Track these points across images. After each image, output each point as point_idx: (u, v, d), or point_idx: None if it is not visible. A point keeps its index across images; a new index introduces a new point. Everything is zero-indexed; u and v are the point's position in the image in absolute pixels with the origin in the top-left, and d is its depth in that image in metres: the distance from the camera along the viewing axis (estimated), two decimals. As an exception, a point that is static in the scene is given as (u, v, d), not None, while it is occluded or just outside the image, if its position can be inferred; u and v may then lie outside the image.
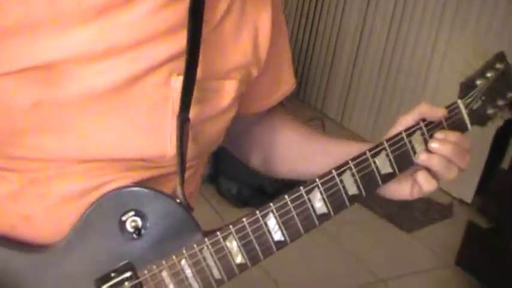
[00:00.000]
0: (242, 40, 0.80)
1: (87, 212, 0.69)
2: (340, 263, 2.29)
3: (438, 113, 0.79)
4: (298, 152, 0.94)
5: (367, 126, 3.48)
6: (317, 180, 0.74)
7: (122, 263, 0.68)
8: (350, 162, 0.76)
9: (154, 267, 0.69)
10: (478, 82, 0.84)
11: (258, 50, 0.82)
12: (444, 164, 0.78)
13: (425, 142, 0.79)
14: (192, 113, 0.74)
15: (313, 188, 0.74)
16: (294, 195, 0.73)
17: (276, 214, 0.72)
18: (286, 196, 0.73)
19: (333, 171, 0.75)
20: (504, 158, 2.72)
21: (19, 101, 0.67)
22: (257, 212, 0.72)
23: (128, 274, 0.68)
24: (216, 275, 0.70)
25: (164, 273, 0.69)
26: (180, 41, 0.70)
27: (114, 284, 0.67)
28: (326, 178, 0.75)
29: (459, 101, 0.82)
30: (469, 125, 0.82)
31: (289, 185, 0.81)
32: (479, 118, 0.84)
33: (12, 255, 0.69)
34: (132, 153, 0.72)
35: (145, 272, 0.69)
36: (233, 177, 2.47)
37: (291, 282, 2.11)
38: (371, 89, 3.46)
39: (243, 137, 0.97)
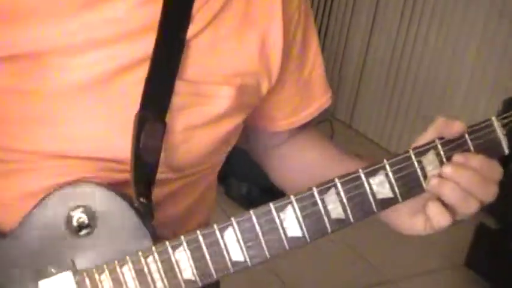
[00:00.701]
0: (245, 44, 0.72)
1: (38, 203, 0.65)
2: (349, 264, 2.25)
3: (454, 127, 0.63)
4: (316, 175, 0.83)
5: (377, 127, 3.36)
6: (292, 197, 0.64)
7: (64, 261, 0.64)
8: (336, 179, 0.64)
9: (94, 269, 0.63)
10: (528, 99, 0.67)
11: (267, 61, 0.74)
12: (459, 194, 0.63)
13: (442, 165, 0.64)
14: (178, 118, 0.69)
15: (286, 205, 0.63)
16: (262, 211, 0.63)
17: (237, 229, 0.63)
18: (251, 211, 0.63)
19: (314, 188, 0.64)
20: None
21: None
22: (215, 225, 0.63)
23: (67, 272, 0.63)
24: (160, 287, 0.63)
25: (103, 277, 0.63)
26: None
27: (52, 281, 0.63)
28: (304, 195, 0.64)
29: (493, 118, 0.65)
30: (505, 148, 0.66)
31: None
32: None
33: None
34: (104, 152, 0.69)
35: (84, 273, 0.64)
36: (243, 177, 2.40)
37: (296, 283, 2.06)
38: (380, 91, 3.35)
39: (267, 156, 0.90)
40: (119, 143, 0.67)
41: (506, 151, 0.66)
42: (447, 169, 0.63)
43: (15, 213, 0.68)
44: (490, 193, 0.63)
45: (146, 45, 0.67)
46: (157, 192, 0.70)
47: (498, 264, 2.20)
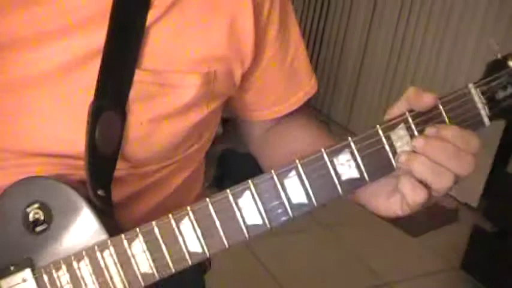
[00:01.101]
0: (212, 31, 0.69)
1: (-3, 198, 0.64)
2: (346, 267, 2.24)
3: (424, 98, 0.58)
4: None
5: None
6: (249, 182, 0.60)
7: (22, 258, 0.63)
8: (297, 161, 0.60)
9: (51, 265, 0.62)
10: (512, 63, 0.60)
11: (238, 46, 0.71)
12: (430, 168, 0.57)
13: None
14: (141, 109, 0.66)
15: (244, 190, 0.60)
16: (218, 198, 0.60)
17: (193, 219, 0.60)
18: (207, 199, 0.60)
19: (273, 171, 0.60)
20: (510, 162, 2.67)
21: None
22: (170, 215, 0.60)
23: (26, 270, 0.62)
24: (117, 282, 0.61)
25: (61, 273, 0.62)
26: None
27: (11, 279, 0.62)
28: (262, 179, 0.60)
29: (471, 85, 0.59)
30: (486, 119, 0.59)
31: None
32: (508, 111, 0.60)
33: None
34: (64, 148, 0.67)
35: (42, 270, 0.62)
36: (238, 179, 2.31)
37: (295, 286, 2.02)
38: (377, 93, 3.29)
39: (257, 144, 0.86)
40: (78, 138, 0.65)
41: (487, 122, 0.59)
42: (417, 142, 0.57)
43: None
44: (465, 165, 0.57)
45: (98, 36, 0.65)
46: (119, 191, 0.68)
47: (494, 266, 2.20)
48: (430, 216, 2.62)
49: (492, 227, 2.34)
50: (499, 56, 0.61)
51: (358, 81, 3.49)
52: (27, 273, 0.62)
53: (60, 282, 0.62)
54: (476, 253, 2.28)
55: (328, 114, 3.66)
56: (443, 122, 0.59)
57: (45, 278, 0.62)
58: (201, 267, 0.89)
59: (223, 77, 0.72)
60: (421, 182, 0.58)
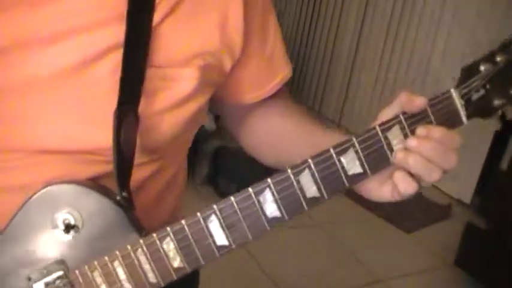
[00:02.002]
0: (204, 25, 0.74)
1: (24, 205, 0.66)
2: (340, 264, 2.27)
3: (416, 102, 0.67)
4: (283, 143, 0.87)
5: (366, 126, 3.30)
6: (269, 180, 0.67)
7: (54, 261, 0.66)
8: (310, 160, 0.67)
9: (86, 267, 0.66)
10: (483, 68, 0.70)
11: (229, 39, 0.76)
12: (422, 164, 0.67)
13: (406, 138, 0.68)
14: (147, 104, 0.70)
15: (264, 188, 0.67)
16: (241, 196, 0.66)
17: (220, 216, 0.66)
18: (232, 197, 0.67)
19: (289, 170, 0.67)
20: (503, 159, 2.67)
21: None
22: (198, 214, 0.66)
23: (59, 273, 0.66)
24: (151, 278, 0.66)
25: (96, 274, 0.66)
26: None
27: (46, 282, 0.66)
28: (280, 178, 0.67)
29: (452, 90, 0.69)
30: (464, 118, 0.70)
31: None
32: (482, 110, 0.70)
33: None
34: (81, 144, 0.70)
35: (77, 271, 0.66)
36: (232, 177, 2.40)
37: (289, 283, 2.06)
38: (369, 89, 3.35)
39: (239, 125, 0.92)
40: (93, 134, 0.69)
41: (465, 121, 0.70)
42: (412, 142, 0.67)
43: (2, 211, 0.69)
44: (451, 161, 0.68)
45: (111, 35, 0.68)
46: (131, 181, 0.72)
47: (487, 263, 2.23)
48: (424, 212, 2.65)
49: (485, 223, 2.37)
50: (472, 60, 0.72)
51: (350, 77, 3.48)
52: (60, 275, 0.66)
53: (95, 283, 0.66)
54: (469, 249, 2.29)
55: (319, 110, 3.64)
56: (431, 121, 0.69)
57: (80, 279, 0.66)
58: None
59: (216, 69, 0.77)
60: (412, 175, 0.68)
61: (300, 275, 2.08)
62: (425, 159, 0.67)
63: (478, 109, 0.70)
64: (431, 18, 2.97)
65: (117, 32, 0.68)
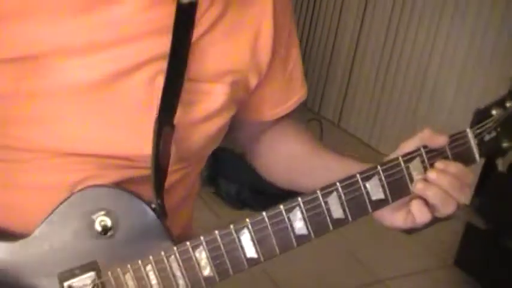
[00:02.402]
0: (238, 44, 0.78)
1: (60, 205, 0.68)
2: (339, 264, 2.28)
3: (439, 140, 0.73)
4: (298, 165, 0.91)
5: (365, 127, 3.39)
6: (299, 199, 0.71)
7: (87, 262, 0.68)
8: (338, 184, 0.72)
9: (119, 269, 0.68)
10: (495, 112, 0.77)
11: (258, 57, 0.81)
12: (441, 196, 0.73)
13: (425, 170, 0.74)
14: (180, 115, 0.73)
15: (294, 207, 0.71)
16: (273, 213, 0.70)
17: (251, 230, 0.69)
18: (264, 213, 0.70)
19: (318, 191, 0.71)
20: (502, 161, 2.68)
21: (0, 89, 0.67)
22: (231, 226, 0.69)
23: (91, 273, 0.67)
24: (182, 285, 0.69)
25: (128, 277, 0.68)
26: (167, 42, 0.69)
27: (77, 282, 0.67)
28: (309, 198, 0.71)
29: (468, 130, 0.76)
30: (477, 157, 0.76)
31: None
32: (491, 150, 0.77)
33: None
34: (112, 150, 0.72)
35: (109, 273, 0.68)
36: (232, 178, 2.44)
37: (289, 283, 2.09)
38: (369, 90, 3.37)
39: (253, 143, 0.95)
40: (124, 141, 0.71)
41: (478, 159, 0.76)
42: (432, 175, 0.73)
43: (25, 212, 0.71)
44: (465, 195, 0.73)
45: (152, 47, 0.71)
46: None
47: (487, 263, 2.25)
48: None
49: (485, 223, 2.36)
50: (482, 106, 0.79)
51: (350, 78, 3.45)
52: (92, 275, 0.67)
53: (127, 286, 0.67)
54: (469, 250, 2.29)
55: (319, 112, 3.61)
56: (447, 157, 0.75)
57: (112, 281, 0.67)
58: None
59: (243, 86, 0.81)
60: (428, 205, 0.74)
61: (300, 274, 2.09)
62: (443, 191, 0.72)
63: (489, 149, 0.77)
64: (431, 18, 2.97)
65: (158, 44, 0.71)
